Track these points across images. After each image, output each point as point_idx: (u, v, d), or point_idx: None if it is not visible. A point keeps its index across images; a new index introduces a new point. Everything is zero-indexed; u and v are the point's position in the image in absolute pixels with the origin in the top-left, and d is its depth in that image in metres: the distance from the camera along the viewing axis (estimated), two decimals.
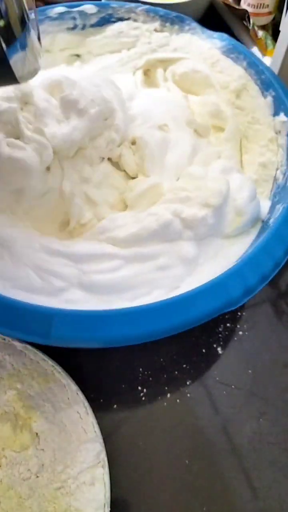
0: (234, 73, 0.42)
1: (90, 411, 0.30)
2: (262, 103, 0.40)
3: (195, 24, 0.45)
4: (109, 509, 0.27)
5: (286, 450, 0.31)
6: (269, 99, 0.39)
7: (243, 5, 0.50)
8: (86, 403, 0.30)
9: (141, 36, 0.45)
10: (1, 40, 0.21)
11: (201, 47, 0.44)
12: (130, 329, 0.25)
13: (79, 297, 0.29)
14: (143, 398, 0.33)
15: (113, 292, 0.30)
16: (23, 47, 0.23)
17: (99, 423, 0.30)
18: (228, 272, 0.28)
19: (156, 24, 0.45)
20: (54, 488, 0.27)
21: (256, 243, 0.30)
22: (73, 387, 0.30)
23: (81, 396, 0.30)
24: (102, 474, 0.28)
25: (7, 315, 0.25)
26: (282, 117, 0.37)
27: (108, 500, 0.27)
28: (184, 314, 0.26)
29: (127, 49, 0.45)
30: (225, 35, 0.43)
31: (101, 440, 0.29)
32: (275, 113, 0.38)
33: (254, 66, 0.41)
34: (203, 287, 0.27)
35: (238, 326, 0.36)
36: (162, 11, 0.45)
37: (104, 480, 0.28)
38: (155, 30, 0.45)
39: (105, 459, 0.28)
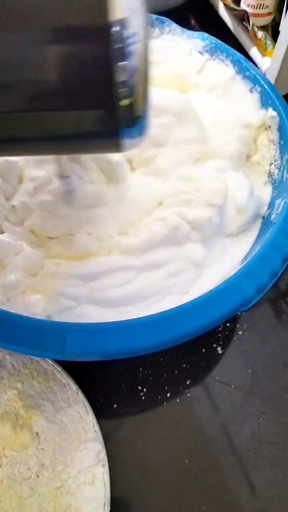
0: (218, 72, 0.42)
1: (90, 410, 0.30)
2: (249, 100, 0.40)
3: (175, 26, 0.45)
4: (109, 508, 0.27)
5: (286, 450, 0.31)
6: (256, 95, 0.39)
7: (243, 6, 0.50)
8: (86, 403, 0.30)
9: None
10: (119, 121, 0.18)
11: (183, 48, 0.44)
12: (150, 339, 0.25)
13: (91, 311, 0.29)
14: (143, 398, 0.33)
15: (126, 304, 0.29)
16: (142, 128, 0.20)
17: (99, 423, 0.30)
18: (240, 272, 0.28)
19: None
20: (54, 487, 0.27)
21: (263, 240, 0.31)
22: (73, 386, 0.30)
23: (81, 396, 0.30)
24: (102, 474, 0.28)
25: (19, 333, 0.25)
26: (270, 112, 0.38)
27: (108, 500, 0.27)
28: (202, 318, 0.26)
29: None
30: (206, 34, 0.43)
31: (101, 440, 0.29)
32: (263, 109, 0.39)
33: (238, 64, 0.41)
34: (218, 289, 0.27)
35: (237, 325, 0.36)
36: None
37: (104, 480, 0.28)
38: None
39: (105, 458, 0.29)
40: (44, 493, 0.27)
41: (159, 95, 0.39)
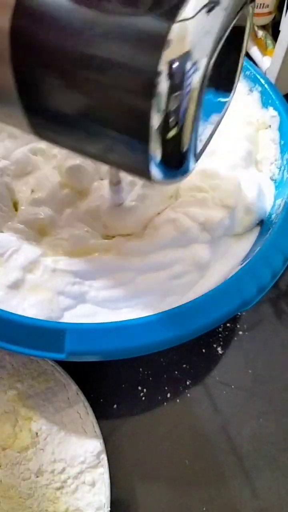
0: None
1: (90, 411, 0.30)
2: (249, 99, 0.40)
3: None
4: (109, 509, 0.27)
5: (286, 450, 0.31)
6: (256, 94, 0.39)
7: None
8: (86, 403, 0.30)
9: None
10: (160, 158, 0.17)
11: None
12: (150, 339, 0.25)
13: (90, 311, 0.29)
14: (143, 398, 0.33)
15: (125, 304, 0.29)
16: (187, 169, 0.19)
17: (99, 423, 0.30)
18: (240, 272, 0.28)
19: None
20: (54, 488, 0.27)
21: (263, 240, 0.30)
22: (73, 386, 0.30)
23: (81, 396, 0.30)
24: (102, 474, 0.28)
25: (19, 333, 0.25)
26: (271, 111, 0.38)
27: (108, 500, 0.27)
28: (202, 318, 0.26)
29: None
30: None
31: (101, 440, 0.29)
32: (263, 108, 0.39)
33: None
34: (219, 289, 0.27)
35: (238, 326, 0.36)
36: None
37: (104, 480, 0.28)
38: None
39: (105, 459, 0.28)
40: (44, 493, 0.27)
41: None
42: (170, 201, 0.33)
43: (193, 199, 0.31)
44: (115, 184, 0.29)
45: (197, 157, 0.20)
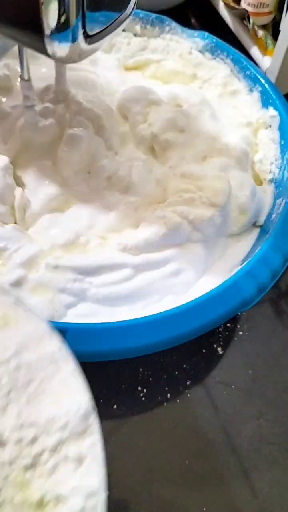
0: (218, 71, 0.42)
1: (70, 355, 0.20)
2: (250, 99, 0.40)
3: (175, 24, 0.45)
4: (107, 493, 0.18)
5: (286, 450, 0.31)
6: (256, 94, 0.39)
7: (243, 5, 0.50)
8: (66, 344, 0.21)
9: (119, 43, 0.44)
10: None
11: (183, 48, 0.44)
12: (150, 339, 0.25)
13: (90, 310, 0.29)
14: (143, 398, 0.33)
15: (125, 302, 0.29)
16: (75, 38, 0.24)
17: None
18: (240, 272, 0.28)
19: (137, 27, 0.45)
20: (22, 466, 0.18)
21: (263, 240, 0.31)
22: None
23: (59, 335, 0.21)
24: (92, 446, 0.19)
25: None
26: (271, 111, 0.38)
27: (104, 483, 0.18)
28: (202, 318, 0.26)
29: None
30: (206, 33, 0.43)
31: (89, 396, 0.20)
32: (263, 108, 0.39)
33: (238, 63, 0.41)
34: (219, 289, 0.27)
35: (238, 326, 0.36)
36: (142, 13, 0.45)
37: (95, 454, 0.18)
38: (134, 35, 0.45)
39: (96, 422, 0.19)
40: (7, 475, 0.16)
41: (179, 88, 0.40)
42: (158, 206, 0.33)
43: (181, 199, 0.32)
44: (25, 80, 0.32)
45: (91, 39, 0.26)
